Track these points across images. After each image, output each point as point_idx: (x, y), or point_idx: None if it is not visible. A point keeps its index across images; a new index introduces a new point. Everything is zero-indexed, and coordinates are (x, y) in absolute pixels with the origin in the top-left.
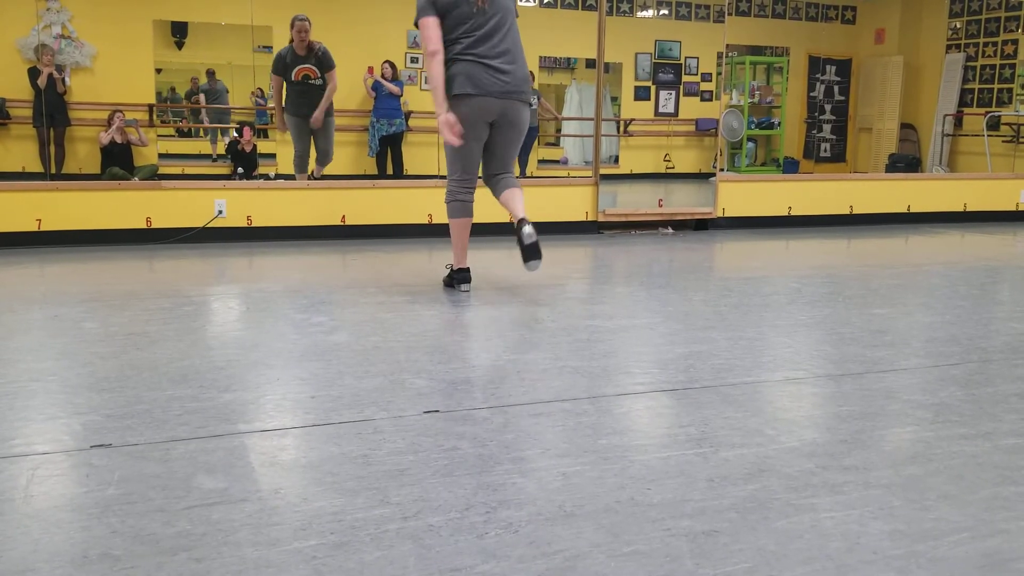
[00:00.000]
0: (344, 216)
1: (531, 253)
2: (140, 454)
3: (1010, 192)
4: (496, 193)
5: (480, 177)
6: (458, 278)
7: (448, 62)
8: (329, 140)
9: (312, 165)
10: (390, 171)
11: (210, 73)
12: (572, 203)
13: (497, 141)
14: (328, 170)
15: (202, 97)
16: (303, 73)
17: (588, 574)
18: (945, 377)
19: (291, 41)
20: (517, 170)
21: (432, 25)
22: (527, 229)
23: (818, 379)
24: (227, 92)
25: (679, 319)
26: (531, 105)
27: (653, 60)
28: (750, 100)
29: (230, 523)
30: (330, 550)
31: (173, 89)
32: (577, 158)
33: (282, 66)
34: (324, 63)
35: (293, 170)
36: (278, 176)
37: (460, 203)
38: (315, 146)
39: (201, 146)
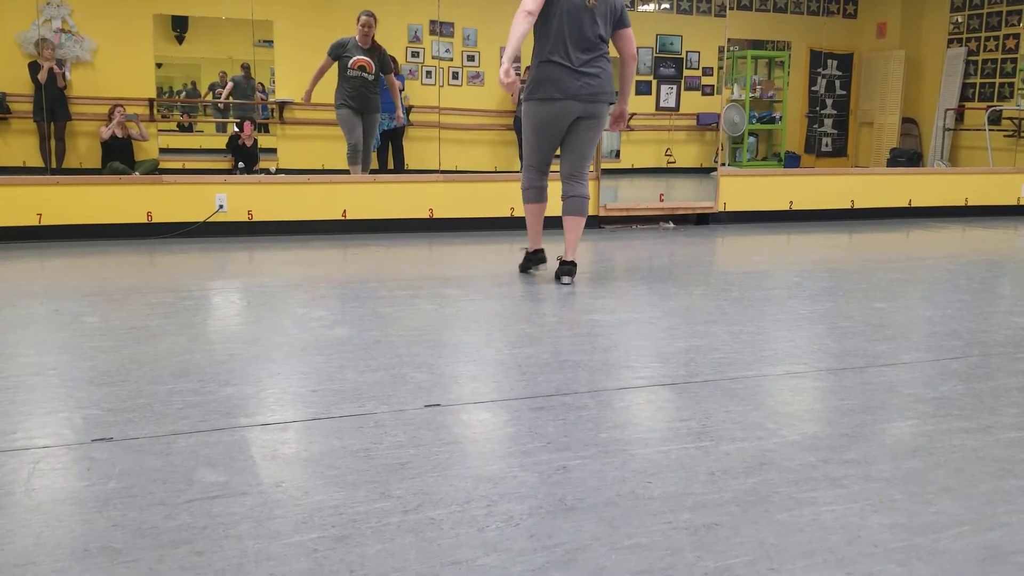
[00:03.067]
0: (345, 211)
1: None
2: (141, 448)
3: (1011, 186)
4: (564, 208)
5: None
6: (533, 259)
7: (541, 62)
8: (371, 136)
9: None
10: (391, 165)
11: (245, 67)
12: None
13: (576, 138)
14: (328, 164)
15: (227, 88)
16: (359, 64)
17: (589, 567)
18: (946, 371)
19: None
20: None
21: None
22: (566, 280)
23: (819, 373)
24: (256, 91)
25: (680, 313)
26: (612, 103)
27: (654, 54)
28: (751, 94)
29: (231, 516)
30: (331, 543)
31: (194, 83)
32: None
33: (339, 51)
34: (384, 64)
35: (346, 163)
36: (279, 171)
37: (535, 190)
38: None
39: (202, 140)
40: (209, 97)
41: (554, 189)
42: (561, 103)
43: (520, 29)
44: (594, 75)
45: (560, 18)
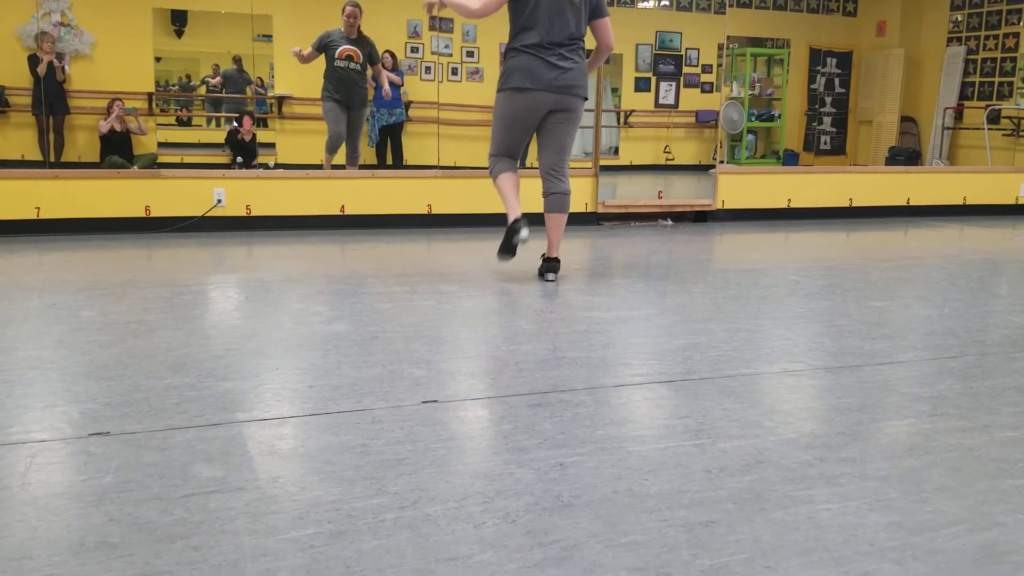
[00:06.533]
0: (343, 206)
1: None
2: (138, 442)
3: (1010, 186)
4: (545, 205)
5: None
6: (512, 229)
7: (511, 51)
8: (358, 133)
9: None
10: (390, 161)
11: (237, 60)
12: (572, 194)
13: (552, 132)
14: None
15: (216, 80)
16: (347, 53)
17: (585, 564)
18: (943, 370)
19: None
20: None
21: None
22: (551, 276)
23: (816, 371)
24: (250, 84)
25: (677, 311)
26: (586, 98)
27: (654, 51)
28: (750, 92)
29: (227, 511)
30: (327, 539)
31: (189, 77)
32: (577, 149)
33: (324, 43)
34: (373, 56)
35: (324, 150)
36: (277, 165)
37: (502, 164)
38: (345, 141)
39: (201, 135)
40: (203, 90)
41: (534, 186)
42: (534, 94)
43: (461, 7)
44: (568, 68)
45: (536, 9)
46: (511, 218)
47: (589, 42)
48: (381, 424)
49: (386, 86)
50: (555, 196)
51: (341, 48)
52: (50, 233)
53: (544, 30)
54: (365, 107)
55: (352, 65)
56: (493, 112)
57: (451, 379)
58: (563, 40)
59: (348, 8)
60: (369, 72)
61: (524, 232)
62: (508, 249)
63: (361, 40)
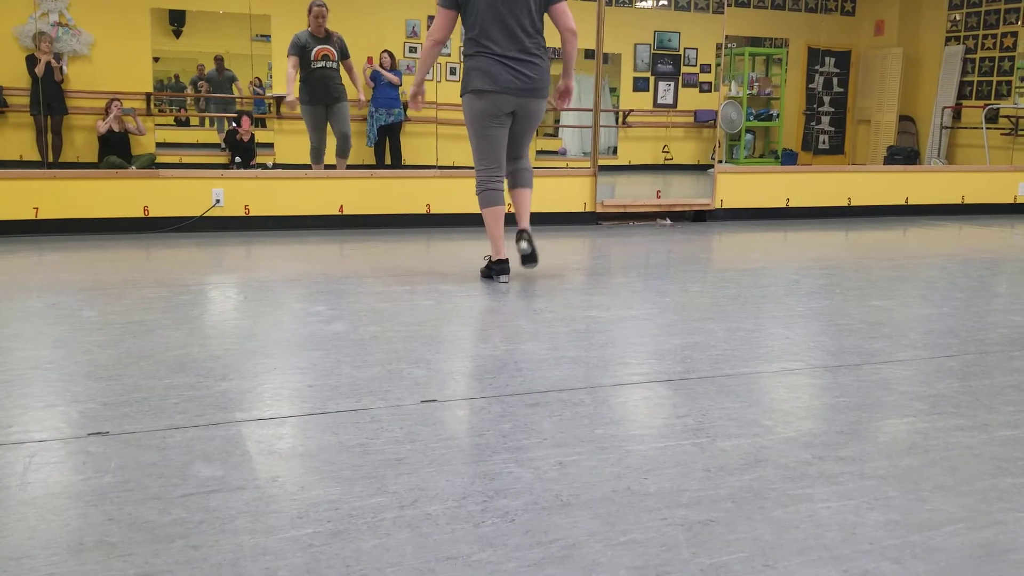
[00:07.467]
0: (342, 206)
1: (527, 261)
2: (137, 442)
3: (1008, 185)
4: (509, 184)
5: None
6: (496, 269)
7: (470, 55)
8: (346, 123)
9: (330, 158)
10: (388, 161)
11: (218, 60)
12: (570, 194)
13: (515, 128)
14: (326, 159)
15: (206, 84)
16: (323, 53)
17: (584, 563)
18: (942, 369)
19: (308, 27)
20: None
21: (446, 17)
22: (523, 245)
23: (815, 370)
24: (235, 81)
25: (676, 310)
26: (545, 96)
27: (652, 51)
28: (749, 91)
29: (227, 511)
30: (327, 538)
31: (177, 77)
32: (575, 149)
33: (299, 48)
34: (344, 51)
35: (310, 162)
36: (276, 165)
37: (491, 192)
38: (333, 133)
39: (199, 135)
40: (191, 91)
41: None
42: (495, 96)
43: (429, 58)
44: (527, 71)
45: (488, 10)
46: (496, 256)
47: (553, 39)
48: (380, 423)
49: (360, 86)
50: (522, 172)
51: (316, 49)
52: (49, 233)
53: (498, 30)
54: (344, 100)
55: (329, 63)
56: (464, 117)
57: (450, 378)
58: (519, 38)
59: (315, 8)
60: (353, 71)
61: (505, 278)
62: (490, 277)
63: (330, 38)
